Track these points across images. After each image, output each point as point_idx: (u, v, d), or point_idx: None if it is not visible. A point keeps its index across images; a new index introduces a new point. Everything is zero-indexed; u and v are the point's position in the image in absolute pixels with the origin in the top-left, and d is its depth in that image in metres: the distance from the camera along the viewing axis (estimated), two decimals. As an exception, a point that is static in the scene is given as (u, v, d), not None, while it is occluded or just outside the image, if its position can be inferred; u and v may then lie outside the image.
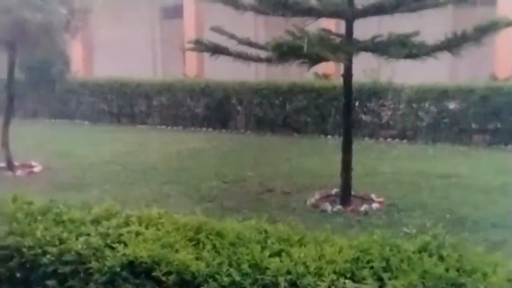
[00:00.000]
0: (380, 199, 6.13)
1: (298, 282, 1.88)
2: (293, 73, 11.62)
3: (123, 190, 6.66)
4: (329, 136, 10.03)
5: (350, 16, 5.64)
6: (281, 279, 1.88)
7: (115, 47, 15.11)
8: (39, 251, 2.27)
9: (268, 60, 5.77)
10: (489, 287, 1.85)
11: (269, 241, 2.18)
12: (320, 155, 8.56)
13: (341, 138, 6.33)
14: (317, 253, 2.02)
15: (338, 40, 5.96)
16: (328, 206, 5.94)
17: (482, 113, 8.87)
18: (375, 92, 9.78)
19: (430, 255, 1.99)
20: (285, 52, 5.15)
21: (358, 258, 1.99)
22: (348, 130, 6.13)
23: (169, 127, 11.25)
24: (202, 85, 11.04)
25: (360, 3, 5.75)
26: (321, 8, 5.71)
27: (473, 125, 9.10)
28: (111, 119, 11.72)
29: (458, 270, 1.89)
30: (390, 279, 1.87)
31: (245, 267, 1.96)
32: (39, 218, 2.50)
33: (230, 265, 2.00)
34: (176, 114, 11.25)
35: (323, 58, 5.39)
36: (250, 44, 6.06)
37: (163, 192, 6.56)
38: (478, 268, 1.92)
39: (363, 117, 9.89)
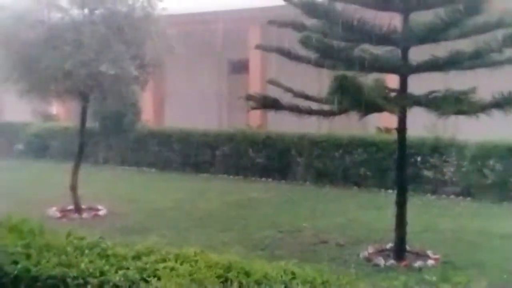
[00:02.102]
0: (436, 256, 5.97)
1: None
2: (356, 127, 11.71)
3: (180, 235, 6.87)
4: (390, 191, 9.86)
5: (403, 71, 5.71)
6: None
7: (185, 98, 15.84)
8: (82, 281, 2.45)
9: (320, 113, 5.92)
10: None
11: (294, 282, 2.25)
12: (378, 209, 8.45)
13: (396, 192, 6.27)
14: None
15: (391, 94, 6.03)
16: (381, 260, 5.86)
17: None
18: (438, 148, 9.62)
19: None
20: (343, 94, 5.21)
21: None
22: (402, 184, 6.07)
23: (231, 176, 11.50)
24: (263, 136, 11.29)
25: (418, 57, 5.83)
26: (375, 62, 5.81)
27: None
28: (177, 168, 12.14)
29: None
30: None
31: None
32: (86, 252, 2.70)
33: (253, 303, 2.10)
34: (237, 164, 11.51)
35: (377, 108, 5.45)
36: (306, 97, 6.23)
37: (218, 239, 6.71)
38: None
39: (425, 172, 9.71)
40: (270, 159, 11.17)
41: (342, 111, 5.90)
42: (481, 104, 4.90)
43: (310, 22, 6.13)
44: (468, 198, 9.18)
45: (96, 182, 10.36)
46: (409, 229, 6.61)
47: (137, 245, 2.77)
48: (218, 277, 2.31)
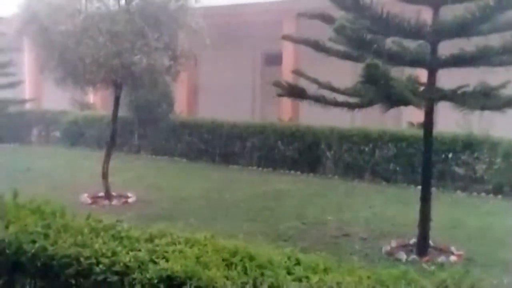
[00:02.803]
0: (459, 253, 5.91)
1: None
2: (389, 122, 11.61)
3: (205, 224, 6.97)
4: (419, 187, 9.73)
5: (432, 65, 5.65)
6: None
7: (219, 90, 15.99)
8: (94, 261, 2.57)
9: (346, 104, 5.92)
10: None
11: (296, 267, 2.31)
12: (405, 204, 8.37)
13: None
14: (336, 281, 2.13)
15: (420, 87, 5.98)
16: (402, 255, 5.84)
17: None
18: (470, 144, 9.46)
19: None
20: (372, 83, 5.21)
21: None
22: (427, 179, 6.03)
23: (260, 168, 11.58)
24: (293, 129, 11.32)
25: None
26: (404, 55, 5.77)
27: None
28: (207, 158, 12.29)
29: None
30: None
31: (264, 286, 2.11)
32: (102, 234, 2.82)
33: (254, 285, 2.17)
34: (267, 156, 11.57)
35: (403, 101, 5.42)
36: (332, 88, 6.23)
37: (241, 229, 6.77)
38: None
39: (457, 169, 9.57)
40: (299, 152, 11.19)
41: (368, 103, 5.91)
42: (506, 99, 4.82)
43: (339, 14, 6.13)
44: (499, 196, 9.01)
45: (128, 171, 10.61)
46: (435, 225, 6.57)
47: (150, 227, 2.87)
48: (224, 260, 2.40)
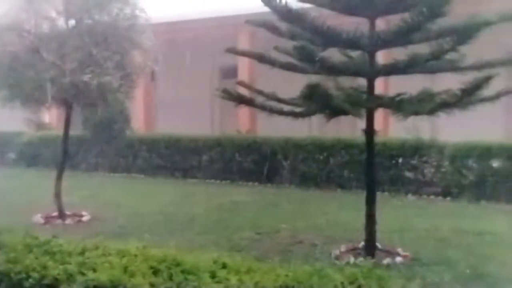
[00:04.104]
0: (406, 254, 6.12)
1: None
2: (344, 129, 11.88)
3: (160, 239, 7.00)
4: (372, 192, 10.04)
5: (369, 75, 5.89)
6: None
7: (178, 104, 16.07)
8: (24, 275, 2.62)
9: (291, 114, 6.10)
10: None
11: (221, 271, 2.42)
12: (358, 210, 8.49)
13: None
14: (254, 280, 2.25)
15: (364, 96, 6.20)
16: (350, 258, 6.00)
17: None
18: (418, 149, 9.80)
19: (358, 286, 2.15)
20: (313, 98, 5.42)
21: (287, 285, 2.19)
22: (371, 184, 6.23)
23: (218, 181, 11.68)
24: (250, 141, 11.48)
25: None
26: (343, 67, 5.99)
27: (519, 184, 8.86)
28: (165, 173, 12.32)
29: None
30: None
31: (187, 290, 2.22)
32: (35, 249, 2.88)
33: (176, 289, 2.27)
34: (224, 169, 11.69)
35: (344, 111, 5.64)
36: (277, 99, 6.39)
37: (196, 242, 6.84)
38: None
39: (407, 173, 9.88)
40: (257, 163, 11.35)
41: (311, 113, 6.10)
42: (436, 105, 5.06)
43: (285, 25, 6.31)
44: (448, 198, 9.34)
45: (84, 189, 10.55)
46: (385, 228, 6.80)
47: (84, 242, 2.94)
48: (151, 268, 2.49)
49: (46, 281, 2.56)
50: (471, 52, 5.53)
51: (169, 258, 2.55)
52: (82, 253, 2.78)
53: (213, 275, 2.34)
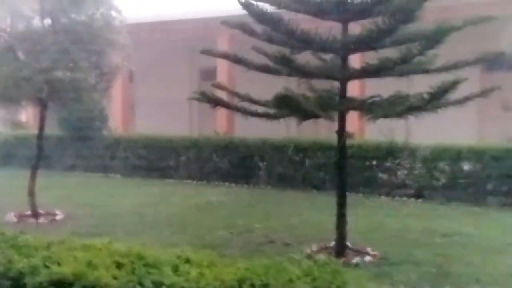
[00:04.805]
0: (375, 253, 6.25)
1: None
2: (321, 132, 12.01)
3: (133, 238, 7.01)
4: (347, 193, 10.17)
5: (341, 78, 6.01)
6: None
7: (157, 105, 16.06)
8: (-12, 270, 2.67)
9: (264, 115, 6.19)
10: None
11: (184, 265, 2.50)
12: (332, 210, 8.59)
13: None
14: (214, 273, 2.32)
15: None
16: (321, 257, 6.05)
17: (496, 174, 8.87)
18: (392, 151, 9.96)
19: (314, 279, 2.24)
20: (283, 105, 5.56)
21: (245, 277, 2.27)
22: (342, 185, 6.35)
23: (195, 182, 11.72)
24: (227, 142, 11.54)
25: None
26: (316, 70, 6.12)
27: (488, 186, 9.07)
28: (142, 173, 12.31)
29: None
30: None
31: (147, 283, 2.29)
32: (2, 244, 2.92)
33: (139, 282, 2.33)
34: (202, 169, 11.74)
35: (315, 114, 5.76)
36: (252, 100, 6.48)
37: (169, 241, 6.88)
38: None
39: (380, 175, 10.04)
40: (233, 164, 11.42)
41: (283, 115, 6.21)
42: (405, 107, 5.20)
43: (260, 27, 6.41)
44: (420, 200, 9.52)
45: (59, 188, 10.51)
46: (357, 228, 6.95)
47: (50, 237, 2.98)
48: (114, 262, 2.55)
49: (10, 274, 2.60)
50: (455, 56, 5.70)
51: (133, 252, 2.62)
52: (47, 247, 2.83)
53: (175, 269, 2.42)
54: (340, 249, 6.20)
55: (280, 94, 5.31)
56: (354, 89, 10.10)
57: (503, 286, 5.31)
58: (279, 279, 2.25)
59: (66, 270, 2.47)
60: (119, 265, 2.53)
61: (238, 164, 11.36)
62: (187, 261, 2.56)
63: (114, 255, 2.63)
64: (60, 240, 2.93)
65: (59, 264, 2.56)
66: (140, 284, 2.30)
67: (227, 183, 11.41)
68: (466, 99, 5.75)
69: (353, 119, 9.91)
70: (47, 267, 2.57)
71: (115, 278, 2.40)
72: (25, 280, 2.54)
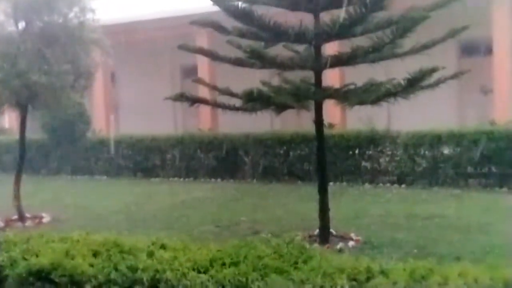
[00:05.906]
0: (358, 238, 6.37)
1: (157, 276, 2.28)
2: (305, 124, 12.11)
3: (120, 236, 7.11)
4: (331, 183, 10.29)
5: (315, 67, 6.10)
6: (144, 275, 2.28)
7: (141, 105, 16.08)
8: (-30, 262, 2.74)
9: (241, 108, 6.27)
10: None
11: (159, 251, 2.58)
12: (317, 200, 8.79)
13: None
14: (187, 256, 2.41)
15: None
16: (306, 245, 6.20)
17: (476, 157, 9.03)
18: (373, 139, 10.09)
19: (281, 256, 2.34)
20: (254, 99, 5.66)
21: (216, 257, 2.37)
22: (322, 173, 6.45)
23: (181, 179, 11.78)
24: (211, 138, 11.61)
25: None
26: (289, 61, 6.20)
27: (468, 169, 9.24)
28: (128, 173, 12.36)
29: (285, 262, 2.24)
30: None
31: (122, 268, 2.37)
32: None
33: (114, 267, 2.42)
34: (187, 166, 11.80)
35: (290, 105, 5.87)
36: (230, 94, 6.56)
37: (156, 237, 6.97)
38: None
39: (363, 163, 10.17)
40: (218, 160, 11.49)
41: (258, 108, 6.30)
42: (378, 95, 5.31)
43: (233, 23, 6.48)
44: (402, 185, 9.67)
45: (45, 192, 10.52)
46: (340, 216, 7.07)
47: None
48: (91, 251, 2.63)
49: (-9, 267, 2.68)
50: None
51: (109, 241, 2.69)
52: (27, 241, 2.90)
53: (150, 254, 2.50)
54: (324, 236, 6.30)
55: (247, 89, 5.40)
56: (334, 78, 10.35)
57: (482, 262, 5.44)
58: (249, 256, 2.34)
59: (44, 260, 2.55)
60: (96, 254, 2.61)
61: (223, 159, 11.43)
62: (162, 246, 2.64)
63: (91, 245, 2.71)
64: (39, 234, 3.00)
65: (37, 256, 2.64)
66: (116, 269, 2.38)
67: (213, 179, 11.49)
68: (439, 81, 5.86)
69: (335, 110, 10.10)
70: (25, 259, 2.65)
71: (91, 265, 2.48)
72: (5, 272, 2.61)
